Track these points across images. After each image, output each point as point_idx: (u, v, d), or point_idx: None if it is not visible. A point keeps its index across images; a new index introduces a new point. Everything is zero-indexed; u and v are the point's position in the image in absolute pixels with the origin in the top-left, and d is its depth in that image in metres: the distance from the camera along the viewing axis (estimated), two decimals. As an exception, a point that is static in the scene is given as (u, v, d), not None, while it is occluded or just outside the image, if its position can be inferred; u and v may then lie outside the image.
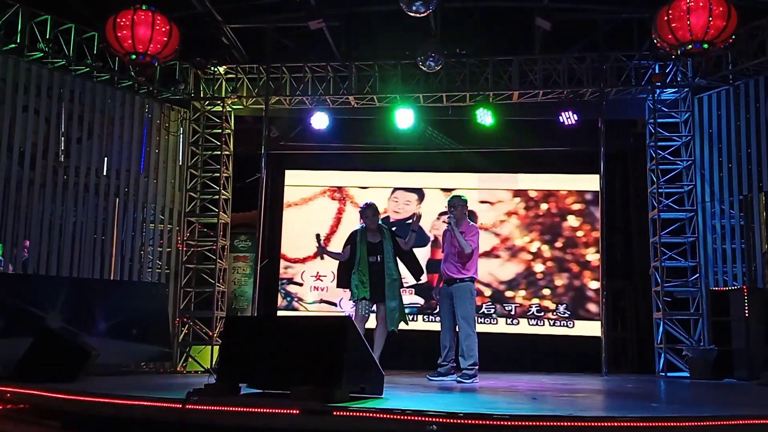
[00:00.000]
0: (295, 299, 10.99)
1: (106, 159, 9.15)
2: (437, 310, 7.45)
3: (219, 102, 10.13)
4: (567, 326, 10.41)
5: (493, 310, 10.56)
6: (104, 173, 9.12)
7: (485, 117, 9.73)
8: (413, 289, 10.62)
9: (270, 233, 10.97)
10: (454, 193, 7.42)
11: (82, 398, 4.41)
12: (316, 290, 10.89)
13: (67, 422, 4.28)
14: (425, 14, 7.67)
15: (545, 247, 10.71)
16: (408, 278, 7.36)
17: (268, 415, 3.86)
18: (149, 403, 4.19)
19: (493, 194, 10.91)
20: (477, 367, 6.81)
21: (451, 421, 3.64)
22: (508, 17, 9.48)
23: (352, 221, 9.97)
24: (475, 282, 7.08)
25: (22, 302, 7.25)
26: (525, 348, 10.21)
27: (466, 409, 4.03)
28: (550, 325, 10.46)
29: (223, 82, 10.11)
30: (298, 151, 11.15)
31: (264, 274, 10.30)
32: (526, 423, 3.64)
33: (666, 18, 7.21)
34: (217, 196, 10.01)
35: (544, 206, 10.82)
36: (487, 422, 3.62)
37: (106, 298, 8.09)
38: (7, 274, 7.96)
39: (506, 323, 10.53)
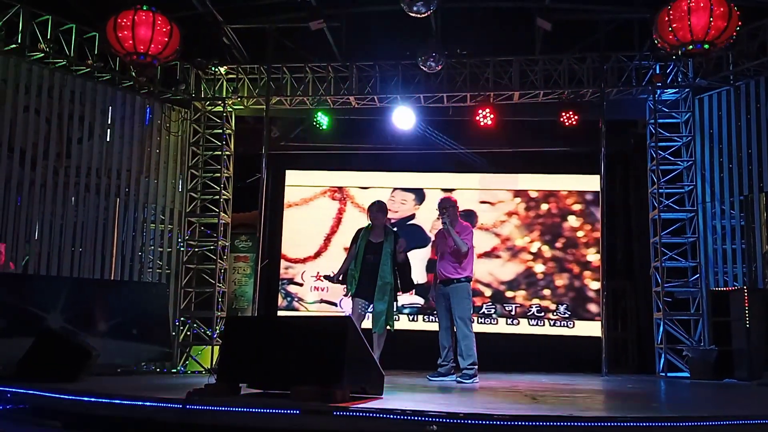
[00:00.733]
0: (296, 299, 10.99)
1: (106, 159, 9.16)
2: (436, 310, 7.45)
3: (220, 102, 10.13)
4: (567, 326, 10.41)
5: (493, 311, 10.56)
6: (105, 173, 9.12)
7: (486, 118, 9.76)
8: (413, 290, 10.62)
9: (270, 233, 10.97)
10: (444, 195, 7.42)
11: (82, 398, 4.40)
12: (316, 290, 10.90)
13: (68, 422, 4.27)
14: (426, 15, 7.68)
15: (545, 248, 10.71)
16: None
17: (269, 415, 3.86)
18: (150, 403, 4.19)
19: (493, 194, 10.91)
20: (476, 367, 6.82)
21: (452, 421, 3.64)
22: (509, 18, 9.48)
23: (353, 221, 9.99)
24: (471, 281, 7.09)
25: (23, 302, 7.25)
26: (525, 348, 10.21)
27: (467, 409, 4.03)
28: (550, 325, 10.46)
29: (224, 83, 10.12)
30: (299, 151, 11.15)
31: (264, 274, 10.31)
32: (527, 423, 3.64)
33: (667, 18, 7.21)
34: (217, 197, 10.01)
35: (544, 206, 10.83)
36: (488, 422, 3.62)
37: (107, 298, 8.09)
38: (8, 274, 7.97)
39: (506, 323, 10.53)
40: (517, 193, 10.89)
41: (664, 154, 9.57)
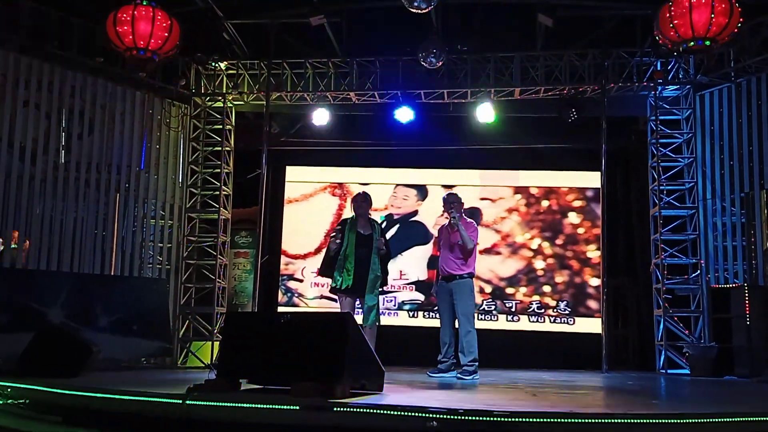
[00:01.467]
0: (296, 295, 10.99)
1: (106, 155, 9.15)
2: (437, 306, 7.44)
3: (220, 98, 10.12)
4: (567, 323, 10.41)
5: (493, 307, 10.56)
6: (105, 169, 9.12)
7: (487, 113, 9.75)
8: (413, 286, 10.64)
9: (270, 229, 10.97)
10: (450, 191, 7.41)
11: (83, 393, 4.41)
12: (316, 286, 10.89)
13: (69, 417, 4.28)
14: (426, 10, 7.66)
15: (546, 244, 10.70)
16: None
17: (269, 410, 3.86)
18: (150, 399, 4.19)
19: (494, 191, 10.90)
20: (477, 364, 6.81)
21: (452, 417, 3.64)
22: (510, 13, 9.47)
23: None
24: (473, 278, 7.08)
25: (24, 298, 7.26)
26: (525, 345, 10.20)
27: (467, 405, 4.03)
28: (550, 321, 10.46)
29: (224, 78, 10.11)
30: (299, 147, 11.14)
31: (264, 270, 10.30)
32: (527, 419, 3.63)
33: (668, 15, 7.19)
34: (217, 192, 10.01)
35: (545, 203, 10.81)
36: (488, 418, 3.62)
37: (107, 293, 8.11)
38: (9, 269, 7.98)
39: (507, 320, 10.53)
40: (518, 190, 10.88)
41: (664, 150, 9.57)
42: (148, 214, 9.61)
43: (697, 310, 9.19)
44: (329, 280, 6.99)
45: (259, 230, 9.90)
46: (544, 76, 9.62)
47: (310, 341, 4.61)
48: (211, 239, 9.99)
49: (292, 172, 11.29)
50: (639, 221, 10.51)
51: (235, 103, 10.34)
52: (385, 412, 3.75)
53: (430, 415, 3.63)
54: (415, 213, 10.96)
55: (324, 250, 7.09)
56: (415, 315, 10.60)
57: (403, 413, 3.70)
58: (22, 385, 4.78)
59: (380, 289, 6.91)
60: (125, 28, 7.59)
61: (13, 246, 8.24)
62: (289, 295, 11.00)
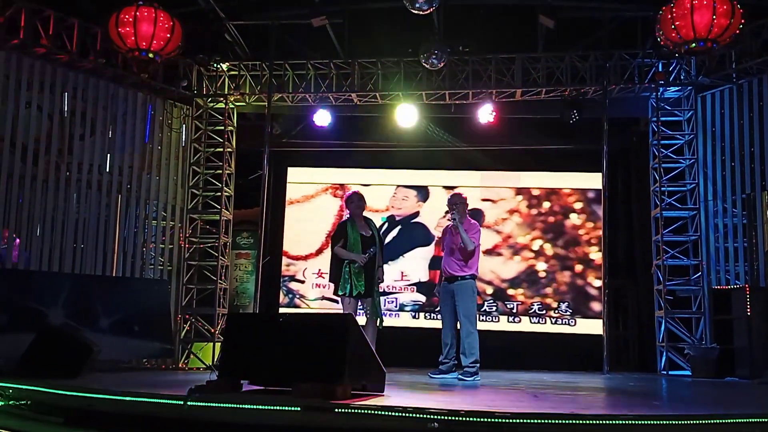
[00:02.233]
0: (297, 296, 11.00)
1: (108, 155, 9.16)
2: (438, 307, 7.44)
3: (222, 99, 10.13)
4: (569, 324, 10.41)
5: (495, 308, 10.56)
6: (107, 170, 9.13)
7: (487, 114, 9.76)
8: (414, 287, 10.64)
9: (272, 230, 10.97)
10: (453, 191, 7.39)
11: (84, 394, 4.41)
12: (317, 287, 10.90)
13: (69, 418, 4.28)
14: (428, 12, 7.67)
15: (547, 245, 10.70)
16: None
17: (270, 412, 3.86)
18: (151, 400, 4.19)
19: (495, 192, 10.91)
20: (478, 365, 6.81)
21: (453, 418, 3.64)
22: (512, 15, 9.46)
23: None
24: (476, 279, 7.08)
25: (25, 298, 7.27)
26: (527, 346, 10.20)
27: (468, 406, 4.03)
28: (552, 323, 10.46)
29: (226, 79, 10.12)
30: (301, 148, 11.15)
31: (266, 271, 10.30)
32: (528, 421, 3.63)
33: (670, 16, 7.20)
34: (219, 193, 10.01)
35: (546, 204, 10.82)
36: (489, 420, 3.62)
37: (109, 294, 8.11)
38: (10, 270, 7.98)
39: (508, 321, 10.53)
40: (519, 191, 10.89)
41: (666, 152, 9.57)
42: (149, 215, 9.61)
43: (698, 311, 9.18)
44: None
45: (260, 231, 9.90)
46: (546, 77, 9.62)
47: (312, 342, 4.61)
48: (213, 240, 10.00)
49: (294, 173, 11.31)
50: (640, 222, 10.50)
51: (237, 104, 10.35)
52: (387, 413, 3.75)
53: (432, 416, 3.63)
54: (417, 214, 10.96)
55: (331, 255, 6.98)
56: (416, 316, 10.60)
57: (404, 414, 3.70)
58: (24, 386, 4.78)
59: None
60: (127, 29, 7.61)
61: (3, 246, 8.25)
62: (290, 296, 11.01)
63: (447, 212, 7.22)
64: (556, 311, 10.47)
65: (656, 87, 9.47)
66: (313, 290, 10.95)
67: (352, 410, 3.82)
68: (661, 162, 9.46)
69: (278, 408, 3.86)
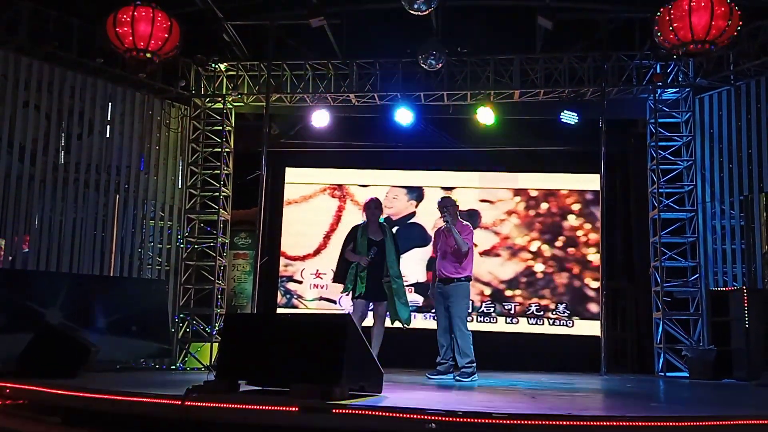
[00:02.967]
0: (295, 297, 10.99)
1: (106, 156, 9.15)
2: (434, 308, 7.46)
3: (219, 99, 10.13)
4: (566, 326, 10.41)
5: (492, 309, 10.56)
6: (104, 170, 9.12)
7: (486, 116, 9.76)
8: (412, 288, 10.63)
9: (270, 231, 10.97)
10: (447, 194, 7.43)
11: (81, 394, 4.41)
12: (315, 288, 10.89)
13: (67, 418, 4.28)
14: (426, 12, 7.67)
15: (545, 247, 10.70)
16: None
17: (267, 412, 3.87)
18: (149, 400, 4.19)
19: (493, 193, 10.90)
20: (474, 365, 6.83)
21: (450, 419, 3.64)
22: (510, 16, 9.48)
23: (352, 219, 9.95)
24: (470, 281, 7.10)
25: (23, 298, 7.26)
26: (524, 347, 10.20)
27: (465, 407, 4.03)
28: (549, 324, 10.46)
29: (224, 79, 10.11)
30: (299, 148, 11.15)
31: (264, 271, 10.30)
32: (525, 422, 3.64)
33: (667, 18, 7.20)
34: (217, 193, 10.01)
35: (544, 205, 10.82)
36: (486, 421, 3.63)
37: (106, 294, 8.10)
38: (8, 270, 7.97)
39: (506, 322, 10.53)
40: (517, 192, 10.89)
41: (664, 153, 9.57)
42: (147, 215, 9.61)
43: (695, 313, 9.19)
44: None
45: (258, 232, 9.89)
46: (544, 78, 9.63)
47: (309, 343, 4.61)
48: (211, 240, 9.99)
49: (292, 174, 11.30)
50: (638, 224, 10.51)
51: (235, 104, 10.34)
52: (384, 413, 3.75)
53: (429, 417, 3.63)
54: (413, 215, 10.96)
55: (339, 257, 7.16)
56: (414, 317, 10.58)
57: (401, 415, 3.70)
58: (22, 386, 4.78)
59: (404, 289, 7.04)
60: (125, 29, 7.60)
61: None
62: (288, 296, 11.00)
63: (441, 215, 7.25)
64: (554, 312, 10.48)
65: (654, 88, 9.48)
66: (310, 291, 10.94)
67: (350, 411, 3.82)
68: (659, 163, 9.47)
69: (276, 408, 3.87)
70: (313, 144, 10.95)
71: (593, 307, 10.33)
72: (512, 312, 10.56)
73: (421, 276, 10.69)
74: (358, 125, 10.83)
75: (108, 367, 7.45)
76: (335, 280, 7.22)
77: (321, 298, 10.85)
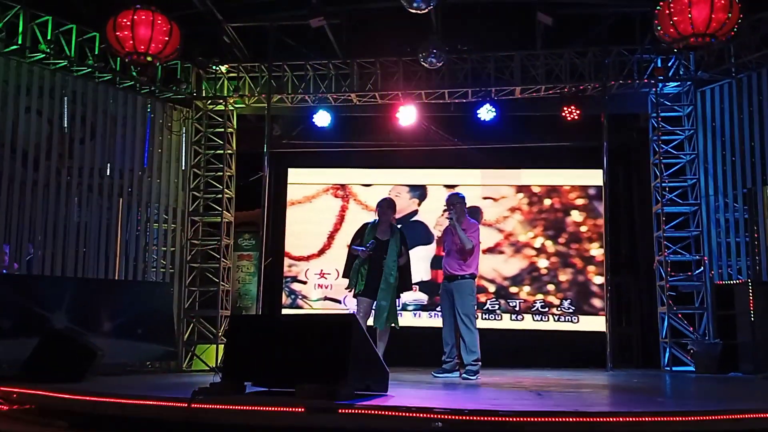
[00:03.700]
0: (300, 297, 11.00)
1: (109, 159, 9.16)
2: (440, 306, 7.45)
3: (221, 101, 10.13)
4: (572, 321, 10.40)
5: (497, 306, 10.56)
6: (107, 173, 9.13)
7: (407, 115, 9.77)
8: (417, 286, 10.63)
9: (273, 231, 10.98)
10: (452, 190, 7.42)
11: (88, 398, 4.42)
12: (320, 288, 10.90)
13: (74, 422, 4.29)
14: (426, 11, 7.66)
15: (549, 243, 10.70)
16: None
17: (274, 413, 3.87)
18: (155, 403, 4.20)
19: (496, 190, 10.90)
20: (480, 363, 6.82)
21: (457, 417, 3.64)
22: (510, 13, 9.46)
23: (356, 219, 9.96)
24: (476, 279, 7.09)
25: (28, 302, 7.26)
26: (530, 343, 10.20)
27: (472, 405, 4.04)
28: (554, 320, 10.45)
29: (225, 81, 10.12)
30: (301, 149, 11.15)
31: (268, 272, 10.31)
32: (532, 419, 3.64)
33: (668, 12, 7.19)
34: (220, 195, 10.02)
35: (547, 201, 10.81)
36: (493, 418, 3.62)
37: (111, 297, 8.10)
38: (13, 275, 7.99)
39: (511, 319, 10.53)
40: (520, 189, 10.88)
41: (666, 147, 9.56)
42: (151, 218, 9.62)
43: (701, 306, 9.18)
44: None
45: (262, 233, 9.90)
46: (545, 74, 9.61)
47: (315, 343, 4.61)
48: (215, 242, 10.00)
49: (294, 174, 11.31)
50: (641, 218, 10.50)
51: (237, 105, 10.35)
52: (390, 413, 3.75)
53: (436, 416, 3.63)
54: (415, 213, 10.96)
55: (347, 253, 7.24)
56: (419, 315, 10.60)
57: (408, 414, 3.70)
58: (28, 391, 4.79)
59: (399, 293, 7.09)
60: (125, 32, 7.60)
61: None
62: (292, 297, 11.01)
63: (445, 211, 7.25)
64: (559, 308, 10.47)
65: (655, 83, 9.47)
66: (315, 291, 10.95)
67: (356, 411, 3.82)
68: (662, 158, 9.45)
69: (282, 409, 3.87)
70: (315, 144, 10.95)
71: (598, 303, 10.32)
72: (517, 309, 10.55)
73: (425, 274, 10.69)
74: (360, 124, 10.83)
75: (114, 370, 7.45)
76: (344, 275, 7.27)
77: (326, 298, 10.86)
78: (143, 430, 4.09)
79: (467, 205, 7.25)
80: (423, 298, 10.64)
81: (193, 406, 4.01)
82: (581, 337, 10.22)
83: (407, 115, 9.93)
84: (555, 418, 3.65)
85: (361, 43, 9.77)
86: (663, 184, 9.40)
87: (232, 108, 10.32)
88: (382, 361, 5.00)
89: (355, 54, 9.86)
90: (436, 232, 10.64)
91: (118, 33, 7.62)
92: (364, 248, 6.85)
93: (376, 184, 11.02)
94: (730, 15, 7.01)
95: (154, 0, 7.70)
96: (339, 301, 10.76)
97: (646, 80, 9.49)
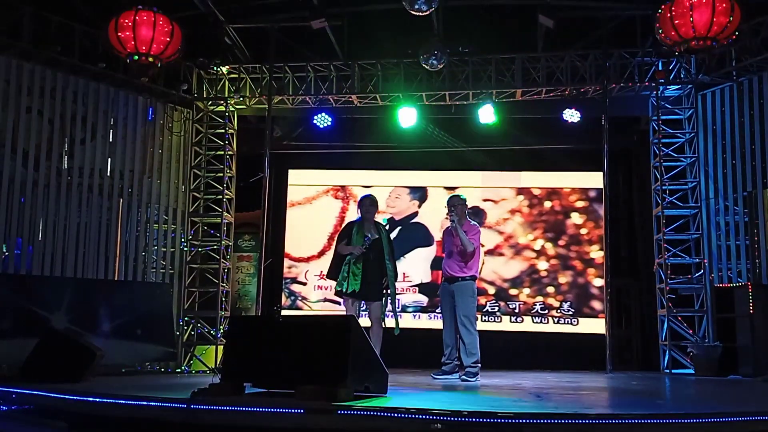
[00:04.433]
0: (299, 298, 11.00)
1: (109, 160, 9.17)
2: (440, 308, 7.45)
3: (222, 102, 10.14)
4: (571, 324, 10.40)
5: (497, 308, 10.56)
6: (108, 174, 9.13)
7: (487, 114, 9.77)
8: (416, 288, 10.64)
9: (274, 233, 10.98)
10: (453, 192, 7.41)
11: (87, 399, 4.42)
12: (320, 289, 10.90)
13: (73, 423, 4.28)
14: (427, 13, 7.67)
15: (549, 245, 10.70)
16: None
17: (273, 414, 3.86)
18: (154, 403, 4.19)
19: (496, 192, 10.90)
20: (480, 365, 6.81)
21: (456, 419, 3.64)
22: (511, 15, 9.47)
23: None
24: (476, 281, 7.08)
25: (27, 303, 7.27)
26: (529, 346, 10.21)
27: (471, 407, 4.03)
28: (554, 322, 10.45)
29: (226, 82, 10.13)
30: (302, 150, 11.16)
31: (268, 273, 10.31)
32: (531, 421, 3.63)
33: (669, 15, 7.20)
34: (220, 196, 10.02)
35: (547, 204, 10.81)
36: (492, 420, 3.62)
37: (111, 298, 8.11)
38: (12, 275, 7.99)
39: (510, 321, 10.53)
40: (520, 191, 10.88)
41: (667, 150, 9.56)
42: (151, 218, 9.62)
43: (700, 309, 9.18)
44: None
45: (262, 234, 9.90)
46: (546, 77, 9.62)
47: (314, 344, 4.61)
48: (215, 243, 10.00)
49: (295, 176, 11.31)
50: (642, 221, 10.51)
51: (238, 107, 10.36)
52: (390, 414, 3.75)
53: (435, 418, 3.63)
54: (415, 214, 10.96)
55: (333, 253, 7.02)
56: (418, 317, 10.60)
57: (407, 416, 3.70)
58: (27, 391, 4.78)
59: (395, 289, 6.90)
60: (127, 33, 7.62)
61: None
62: (292, 298, 11.01)
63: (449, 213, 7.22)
64: (559, 311, 10.47)
65: (656, 86, 9.47)
66: (315, 292, 10.95)
67: (355, 412, 3.82)
68: (662, 160, 9.46)
69: (281, 411, 3.87)
70: (316, 145, 10.96)
71: (598, 305, 10.32)
72: (517, 311, 10.55)
73: (425, 276, 10.69)
74: (361, 126, 10.84)
75: (113, 371, 7.46)
76: (328, 276, 7.00)
77: (325, 300, 10.85)
78: (142, 431, 4.08)
79: (469, 206, 7.24)
80: (423, 299, 10.63)
81: (192, 406, 4.01)
82: (581, 339, 10.21)
83: (407, 117, 9.92)
84: (554, 421, 3.65)
85: (362, 45, 9.78)
86: (663, 187, 9.40)
87: (232, 109, 10.33)
88: (382, 363, 5.00)
89: (356, 55, 9.87)
90: (437, 234, 10.64)
91: (119, 33, 7.64)
92: (362, 246, 6.66)
93: (376, 186, 11.00)
94: (731, 18, 7.02)
95: (155, 1, 7.71)
96: (339, 303, 10.71)
97: (647, 83, 9.50)
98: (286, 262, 11.08)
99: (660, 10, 7.37)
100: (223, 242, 9.97)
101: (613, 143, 9.49)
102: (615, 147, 9.79)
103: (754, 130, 8.86)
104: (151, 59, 7.80)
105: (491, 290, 10.61)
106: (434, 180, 11.07)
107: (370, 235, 6.72)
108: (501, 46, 9.71)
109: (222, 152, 10.13)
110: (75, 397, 4.47)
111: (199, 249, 10.04)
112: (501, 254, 10.72)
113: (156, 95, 9.73)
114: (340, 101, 10.13)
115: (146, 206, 9.56)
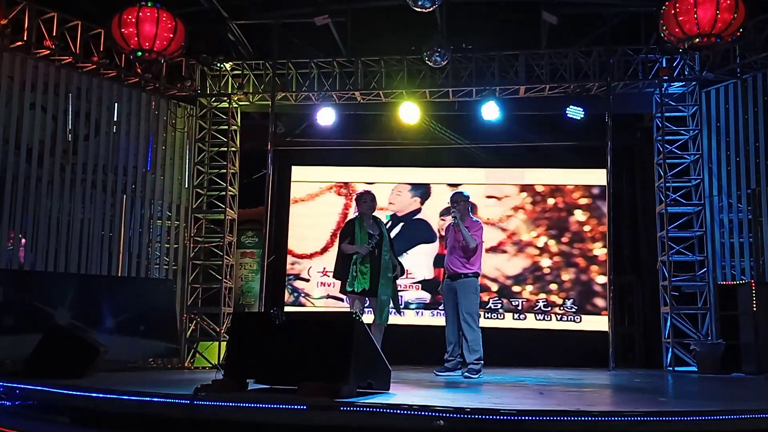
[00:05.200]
0: (302, 295, 11.01)
1: (113, 156, 9.18)
2: (443, 305, 7.45)
3: (225, 98, 10.14)
4: (574, 321, 10.40)
5: (500, 305, 10.56)
6: (111, 170, 9.14)
7: (491, 111, 9.76)
8: (419, 285, 10.64)
9: (277, 229, 10.97)
10: (456, 189, 7.40)
11: (90, 394, 4.42)
12: (323, 286, 10.91)
13: (76, 418, 4.30)
14: (431, 9, 7.66)
15: (552, 242, 10.69)
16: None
17: (276, 410, 3.87)
18: (157, 399, 4.20)
19: (499, 189, 10.90)
20: (482, 362, 6.81)
21: (459, 416, 3.64)
22: (515, 12, 9.45)
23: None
24: (479, 277, 7.07)
25: (31, 299, 7.29)
26: (532, 343, 10.20)
27: (474, 404, 4.04)
28: (557, 319, 10.44)
29: (230, 79, 10.12)
30: (305, 147, 11.16)
31: (271, 270, 10.31)
32: (534, 418, 3.63)
33: (673, 11, 7.18)
34: (223, 193, 10.03)
35: (550, 201, 10.81)
36: (495, 417, 3.62)
37: (114, 294, 8.13)
38: (16, 271, 8.01)
39: (513, 318, 10.53)
40: (524, 188, 10.88)
41: (670, 147, 9.54)
42: (154, 214, 9.63)
43: (704, 307, 9.17)
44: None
45: (265, 230, 9.90)
46: (549, 74, 9.60)
47: (317, 341, 4.62)
48: (218, 239, 10.01)
49: (298, 172, 11.32)
50: (645, 218, 10.48)
51: (241, 103, 10.35)
52: (392, 411, 3.75)
53: (437, 414, 3.63)
54: (418, 211, 10.96)
55: (337, 252, 6.97)
56: (421, 314, 10.60)
57: (410, 412, 3.70)
58: (31, 386, 4.80)
59: (395, 283, 6.94)
60: (130, 29, 7.62)
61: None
62: (295, 294, 11.02)
63: (446, 209, 7.23)
64: (562, 308, 10.46)
65: (660, 83, 9.44)
66: (318, 289, 10.96)
67: (358, 408, 3.82)
68: (666, 158, 9.43)
69: (284, 407, 3.87)
70: (319, 142, 10.95)
71: (600, 302, 10.32)
72: (519, 308, 10.55)
73: (428, 273, 10.69)
74: (364, 123, 10.84)
75: (116, 366, 7.48)
76: (335, 276, 6.95)
77: (328, 296, 10.86)
78: (145, 427, 4.09)
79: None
80: (425, 296, 10.64)
81: (195, 402, 4.02)
82: (584, 336, 10.21)
83: (411, 114, 9.91)
84: (557, 417, 3.65)
85: (366, 42, 9.76)
86: (667, 184, 9.38)
87: (236, 105, 10.32)
88: (385, 359, 5.01)
89: (359, 52, 9.85)
90: (438, 231, 10.64)
91: (123, 30, 7.64)
92: (367, 245, 6.70)
93: (379, 182, 11.00)
94: (735, 15, 7.00)
95: (159, -3, 7.72)
96: (341, 299, 10.73)
97: (650, 80, 9.48)
98: (289, 259, 11.09)
99: (664, 7, 7.35)
100: (226, 238, 9.98)
101: (616, 140, 9.47)
102: (618, 144, 9.76)
103: (759, 128, 8.83)
104: (154, 55, 7.80)
105: (494, 287, 10.60)
106: (437, 177, 11.06)
107: (374, 233, 6.75)
108: (504, 43, 9.69)
109: (225, 149, 10.13)
110: (78, 393, 4.49)
111: (203, 245, 10.04)
112: (504, 251, 10.71)
113: (159, 92, 9.73)
114: (343, 98, 10.11)
115: (149, 202, 9.56)
